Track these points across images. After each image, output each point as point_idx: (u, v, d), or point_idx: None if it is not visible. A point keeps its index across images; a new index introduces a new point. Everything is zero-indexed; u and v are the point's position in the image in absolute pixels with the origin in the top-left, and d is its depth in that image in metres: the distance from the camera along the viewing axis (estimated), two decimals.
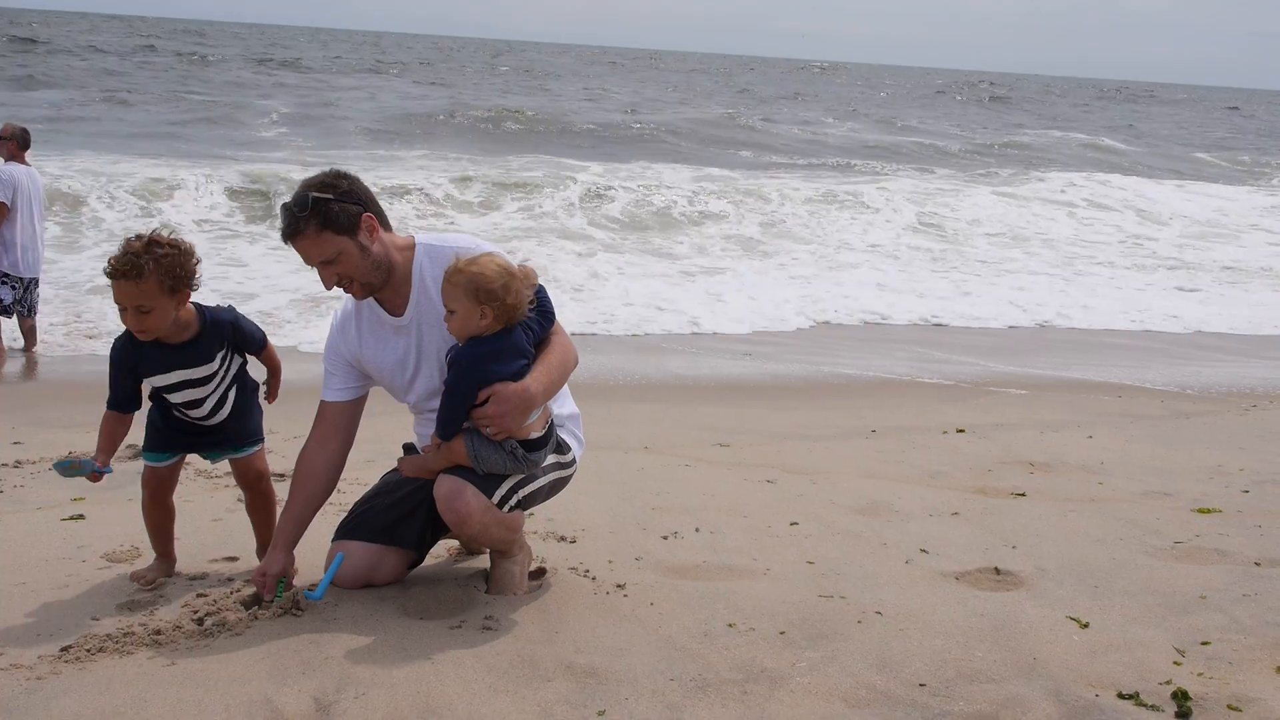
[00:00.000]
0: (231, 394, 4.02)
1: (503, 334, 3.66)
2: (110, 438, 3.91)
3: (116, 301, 3.73)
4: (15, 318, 10.26)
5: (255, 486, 4.18)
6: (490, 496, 3.74)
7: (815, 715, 3.16)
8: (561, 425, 4.03)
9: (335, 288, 3.82)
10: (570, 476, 4.12)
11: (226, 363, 3.98)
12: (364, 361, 3.97)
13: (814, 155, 31.52)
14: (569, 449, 4.05)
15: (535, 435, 3.76)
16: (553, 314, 3.86)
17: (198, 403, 3.94)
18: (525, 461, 3.76)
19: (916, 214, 21.08)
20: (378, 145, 26.86)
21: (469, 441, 3.70)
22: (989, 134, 43.10)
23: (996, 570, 4.40)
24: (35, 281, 10.37)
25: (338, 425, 3.99)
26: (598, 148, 29.03)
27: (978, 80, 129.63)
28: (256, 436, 4.13)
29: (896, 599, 4.02)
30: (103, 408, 3.93)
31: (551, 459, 3.94)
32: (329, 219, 3.70)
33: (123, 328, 3.83)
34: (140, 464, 4.13)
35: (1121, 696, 3.31)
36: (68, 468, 3.82)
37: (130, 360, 3.87)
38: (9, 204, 9.96)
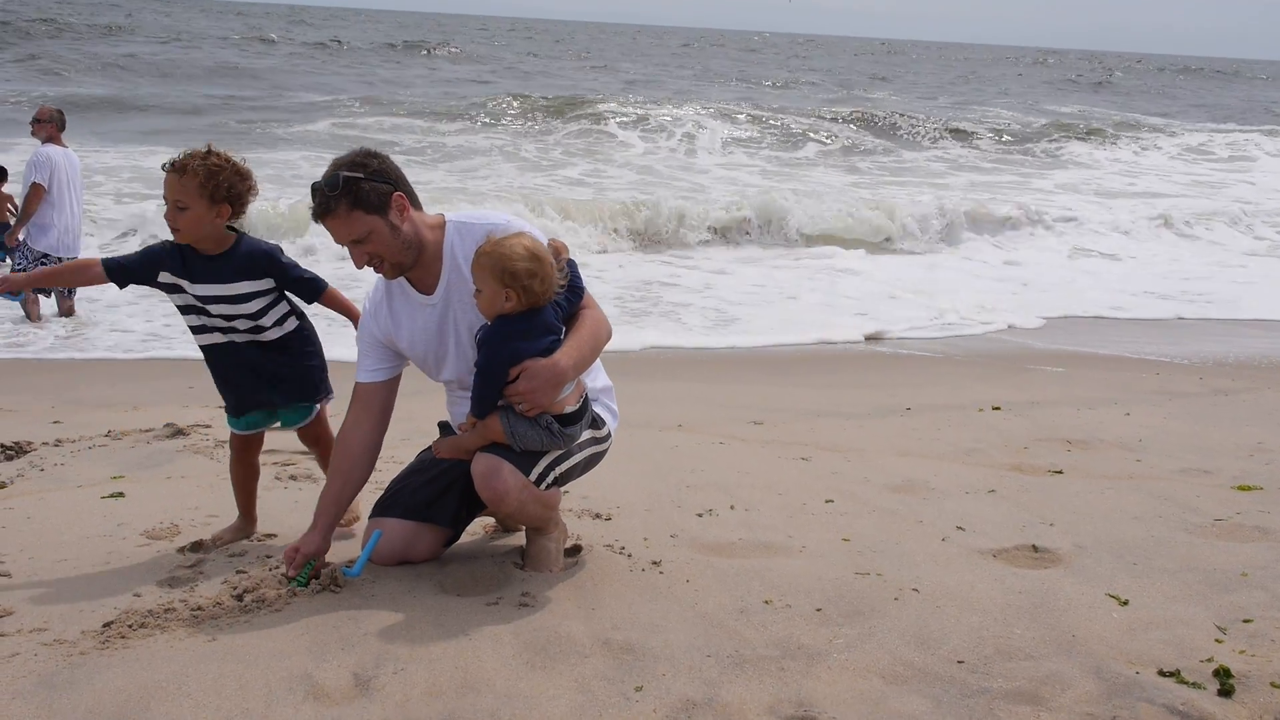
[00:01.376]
0: (275, 330, 4.14)
1: (530, 311, 3.66)
2: (74, 270, 4.40)
3: (163, 193, 3.93)
4: (54, 297, 10.38)
5: (325, 447, 4.32)
6: (527, 474, 3.75)
7: (853, 692, 3.15)
8: (595, 399, 4.02)
9: (365, 267, 3.84)
10: (606, 451, 4.12)
11: (266, 299, 4.09)
12: (396, 341, 3.98)
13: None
14: (604, 424, 4.05)
15: (570, 409, 3.76)
16: (582, 289, 3.86)
17: (234, 317, 4.07)
18: (561, 436, 3.77)
19: None
20: None
21: (504, 419, 3.71)
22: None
23: (1034, 548, 4.37)
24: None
25: (373, 406, 4.01)
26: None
27: (1041, 56, 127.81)
28: (318, 391, 4.27)
29: (933, 576, 4.00)
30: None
31: (587, 434, 3.94)
32: (360, 198, 3.70)
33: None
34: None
35: (1162, 674, 3.28)
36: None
37: (159, 254, 4.07)
38: (45, 185, 10.06)
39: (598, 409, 4.03)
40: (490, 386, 3.67)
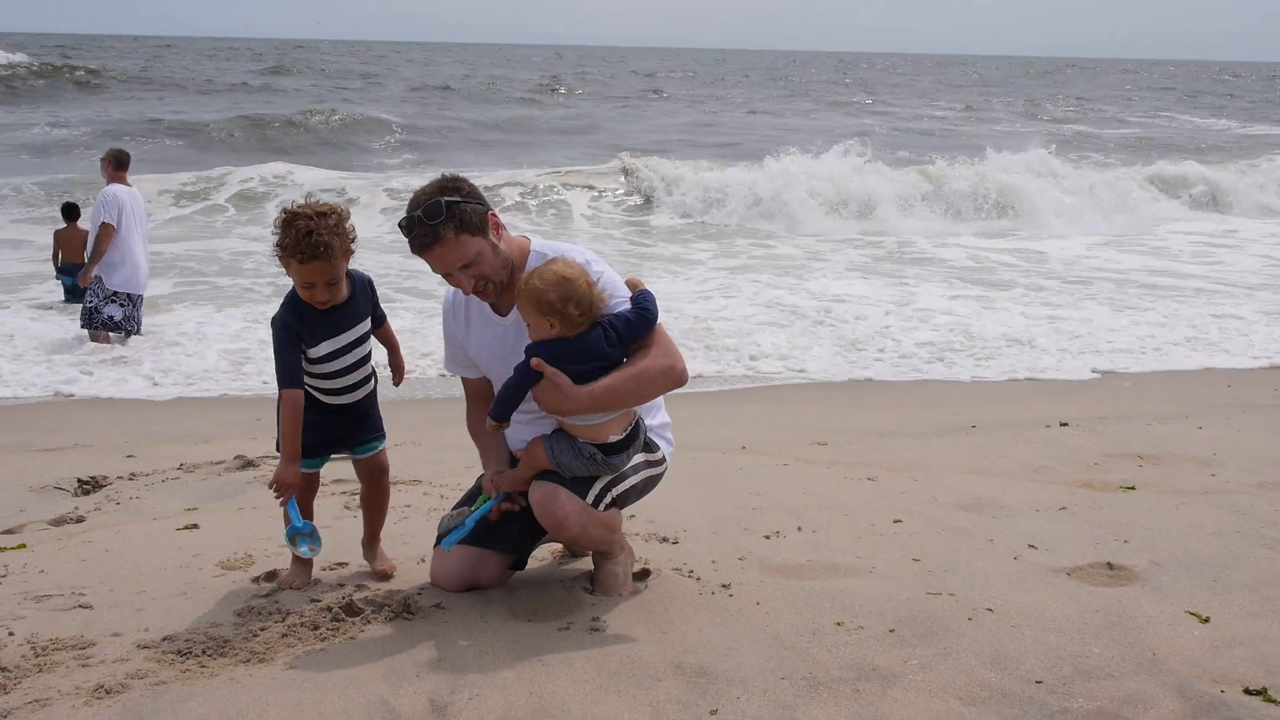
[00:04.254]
0: (370, 366, 4.13)
1: (579, 336, 3.68)
2: (296, 427, 3.90)
3: (303, 281, 3.82)
4: (124, 334, 10.60)
5: (380, 480, 4.27)
6: (584, 498, 3.76)
7: (930, 713, 3.12)
8: (650, 430, 4.04)
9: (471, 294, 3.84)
10: (662, 475, 4.12)
11: (368, 332, 4.10)
12: (466, 348, 4.04)
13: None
14: (658, 447, 4.07)
15: (613, 438, 3.76)
16: (652, 319, 3.82)
17: (349, 369, 4.03)
18: (604, 465, 3.78)
19: None
20: None
21: (548, 446, 3.75)
22: None
23: (1109, 565, 4.30)
24: (141, 299, 10.69)
25: (482, 395, 4.10)
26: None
27: (1062, 65, 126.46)
28: (382, 428, 4.25)
29: (1007, 595, 3.95)
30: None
31: (640, 458, 3.95)
32: (464, 220, 3.72)
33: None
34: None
35: (1248, 692, 3.22)
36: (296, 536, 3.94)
37: (298, 329, 3.92)
38: (114, 224, 10.29)
39: (652, 436, 4.05)
40: (513, 391, 3.71)
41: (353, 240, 3.86)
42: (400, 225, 3.79)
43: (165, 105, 35.58)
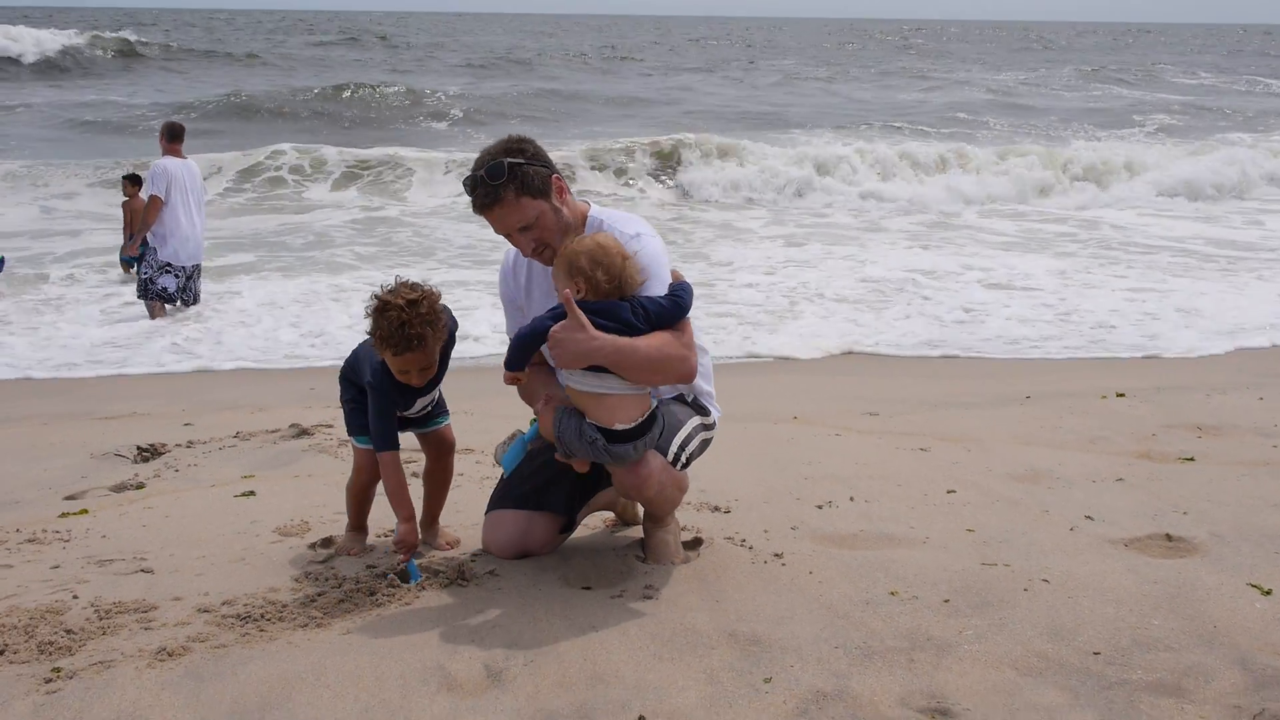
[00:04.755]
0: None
1: (606, 302, 3.63)
2: (403, 483, 3.92)
3: (398, 369, 3.80)
4: (180, 305, 10.74)
5: (445, 457, 4.27)
6: (665, 455, 3.77)
7: (986, 683, 3.10)
8: (700, 395, 4.05)
9: (530, 256, 3.83)
10: (713, 439, 4.12)
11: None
12: (525, 309, 4.02)
13: None
14: (709, 411, 4.07)
15: (619, 427, 3.64)
16: (684, 309, 3.73)
17: (425, 406, 4.09)
18: (604, 453, 3.67)
19: None
20: None
21: (556, 418, 3.70)
22: None
23: (1168, 537, 4.25)
24: (197, 269, 10.83)
25: (538, 362, 3.98)
26: None
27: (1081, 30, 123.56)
28: (445, 406, 4.25)
29: (1063, 566, 3.91)
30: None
31: (697, 420, 3.96)
32: (526, 183, 3.72)
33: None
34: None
35: None
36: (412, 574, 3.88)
37: (395, 397, 3.92)
38: (163, 196, 10.41)
39: (702, 401, 4.05)
40: (532, 336, 3.63)
41: (445, 323, 3.82)
42: (464, 183, 3.80)
43: (259, 77, 36.20)
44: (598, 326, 3.58)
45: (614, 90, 36.53)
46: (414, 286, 3.80)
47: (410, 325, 3.70)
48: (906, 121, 29.29)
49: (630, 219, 3.94)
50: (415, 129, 26.87)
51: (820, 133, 24.70)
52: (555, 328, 3.59)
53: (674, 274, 3.84)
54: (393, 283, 3.85)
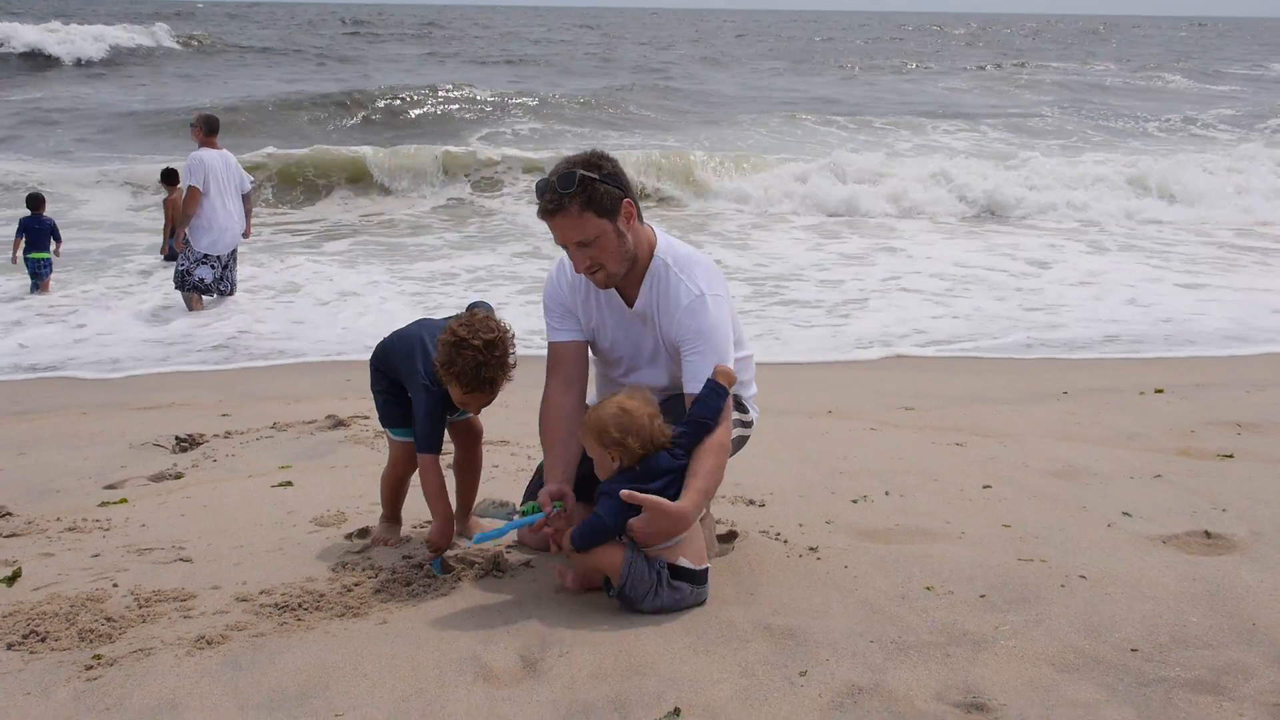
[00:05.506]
0: None
1: (645, 459, 3.58)
2: (443, 487, 3.94)
3: (459, 401, 3.83)
4: (217, 295, 10.84)
5: (474, 446, 4.28)
6: None
7: (1023, 679, 3.09)
8: (742, 397, 4.04)
9: (582, 273, 3.78)
10: (748, 437, 4.13)
11: None
12: (587, 322, 3.97)
13: None
14: (749, 409, 4.07)
15: (683, 563, 3.57)
16: (712, 425, 3.65)
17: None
18: (665, 587, 3.55)
19: None
20: None
21: (628, 559, 3.54)
22: None
23: (1207, 534, 4.21)
24: (234, 257, 10.92)
25: (576, 364, 3.97)
26: None
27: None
28: None
29: (1100, 563, 3.89)
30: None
31: (734, 417, 3.94)
32: (593, 199, 3.66)
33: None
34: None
35: None
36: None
37: (448, 404, 3.93)
38: (200, 188, 10.50)
39: (745, 401, 4.05)
40: (604, 534, 3.54)
41: (513, 364, 3.81)
42: (535, 185, 3.76)
43: (326, 75, 36.54)
44: (659, 488, 3.52)
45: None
46: (490, 324, 3.77)
47: (486, 368, 3.71)
48: None
49: (698, 265, 3.85)
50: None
51: None
52: (638, 525, 3.49)
53: (725, 370, 3.70)
54: (465, 313, 3.82)
